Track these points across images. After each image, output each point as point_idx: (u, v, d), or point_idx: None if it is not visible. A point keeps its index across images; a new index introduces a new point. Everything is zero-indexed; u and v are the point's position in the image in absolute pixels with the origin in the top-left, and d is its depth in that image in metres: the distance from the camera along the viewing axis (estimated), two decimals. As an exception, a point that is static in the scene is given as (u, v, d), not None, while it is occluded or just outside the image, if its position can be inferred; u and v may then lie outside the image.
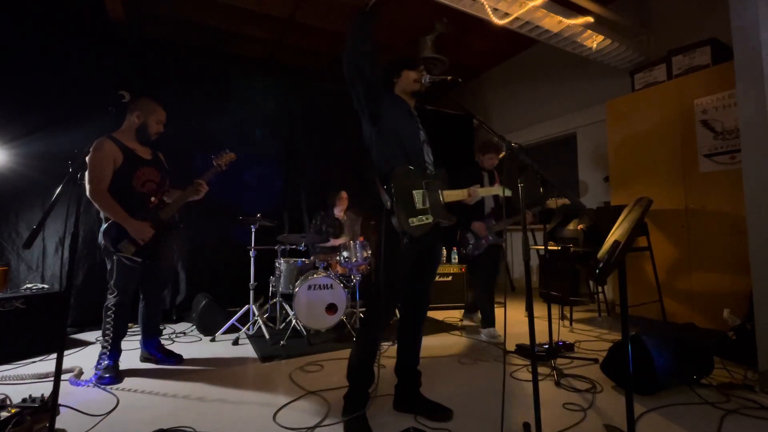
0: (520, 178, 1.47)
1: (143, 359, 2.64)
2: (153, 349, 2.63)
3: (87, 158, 2.18)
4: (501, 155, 3.22)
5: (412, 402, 1.89)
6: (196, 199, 2.59)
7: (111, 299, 2.32)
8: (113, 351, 2.34)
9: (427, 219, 1.73)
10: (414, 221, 1.68)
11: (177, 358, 2.64)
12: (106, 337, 2.31)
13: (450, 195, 1.88)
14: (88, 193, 2.23)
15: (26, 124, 3.42)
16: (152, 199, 2.42)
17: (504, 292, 3.20)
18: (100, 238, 2.33)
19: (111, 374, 2.27)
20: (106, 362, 2.29)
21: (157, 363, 2.60)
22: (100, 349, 2.35)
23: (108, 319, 2.30)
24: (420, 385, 1.93)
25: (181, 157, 3.82)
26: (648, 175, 3.55)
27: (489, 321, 3.19)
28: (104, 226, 2.32)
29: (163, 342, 3.13)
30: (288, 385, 2.24)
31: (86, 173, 2.18)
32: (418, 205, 1.72)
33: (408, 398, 1.90)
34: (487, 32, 4.17)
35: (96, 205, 2.27)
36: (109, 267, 2.35)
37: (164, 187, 2.53)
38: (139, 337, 2.68)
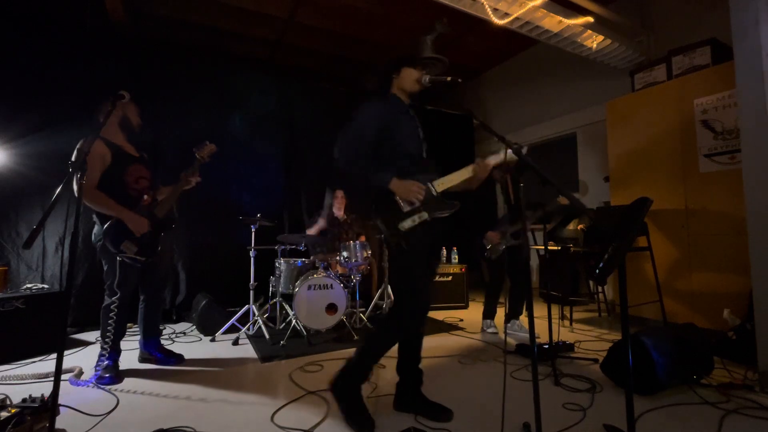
0: (521, 177, 1.47)
1: (142, 360, 2.63)
2: (153, 350, 2.63)
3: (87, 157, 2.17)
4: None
5: (413, 401, 1.89)
6: (189, 187, 2.58)
7: (113, 300, 2.31)
8: (113, 351, 2.34)
9: (420, 218, 1.70)
10: (406, 224, 1.68)
11: (178, 358, 2.64)
12: (107, 338, 2.30)
13: (444, 182, 1.81)
14: (76, 192, 2.18)
15: (26, 124, 3.42)
16: (145, 197, 2.43)
17: (504, 292, 3.20)
18: (95, 239, 2.33)
19: (111, 374, 2.26)
20: (106, 362, 2.29)
21: (157, 363, 2.59)
22: (100, 349, 2.35)
23: (110, 320, 2.30)
24: (421, 383, 1.93)
25: (180, 156, 3.82)
26: (648, 175, 3.55)
27: (490, 314, 3.36)
28: (97, 227, 2.32)
29: (163, 342, 3.13)
30: (288, 385, 2.24)
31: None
32: (406, 208, 1.71)
33: (409, 397, 1.91)
34: (487, 32, 4.18)
35: (88, 204, 2.24)
36: (106, 268, 2.36)
37: (155, 185, 2.55)
38: (137, 337, 2.68)
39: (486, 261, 3.28)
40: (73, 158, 2.14)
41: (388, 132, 1.77)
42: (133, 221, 2.29)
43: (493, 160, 1.86)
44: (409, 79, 1.84)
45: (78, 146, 2.21)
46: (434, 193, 1.79)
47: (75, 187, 2.11)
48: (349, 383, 1.79)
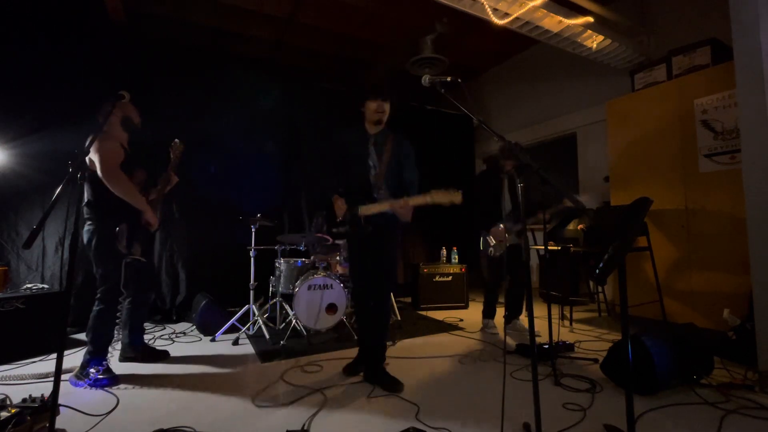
0: (520, 177, 1.47)
1: (124, 359, 2.60)
2: (140, 348, 2.65)
3: (90, 155, 2.17)
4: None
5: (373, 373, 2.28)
6: (170, 187, 2.67)
7: (120, 300, 2.33)
8: (105, 353, 2.31)
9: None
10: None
11: (163, 354, 2.71)
12: (116, 338, 2.32)
13: (365, 209, 2.14)
14: (102, 172, 2.18)
15: (26, 124, 3.41)
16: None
17: (502, 292, 3.20)
18: (88, 237, 2.29)
19: (108, 376, 2.25)
20: (101, 365, 2.26)
21: (143, 361, 2.60)
22: (95, 350, 2.31)
23: (118, 321, 2.32)
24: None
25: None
26: (648, 175, 3.55)
27: (490, 313, 3.37)
28: (89, 225, 2.30)
29: (162, 342, 3.12)
30: (288, 385, 2.23)
31: (98, 160, 2.18)
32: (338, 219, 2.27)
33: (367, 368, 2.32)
34: (487, 32, 4.17)
35: (112, 186, 2.21)
36: (102, 271, 2.30)
37: (150, 187, 2.60)
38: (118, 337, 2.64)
39: (487, 258, 3.28)
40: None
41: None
42: (152, 214, 2.38)
43: (413, 201, 2.05)
44: (370, 110, 2.21)
45: (87, 143, 2.21)
46: (359, 215, 2.15)
47: (101, 168, 2.17)
48: (380, 365, 2.27)
